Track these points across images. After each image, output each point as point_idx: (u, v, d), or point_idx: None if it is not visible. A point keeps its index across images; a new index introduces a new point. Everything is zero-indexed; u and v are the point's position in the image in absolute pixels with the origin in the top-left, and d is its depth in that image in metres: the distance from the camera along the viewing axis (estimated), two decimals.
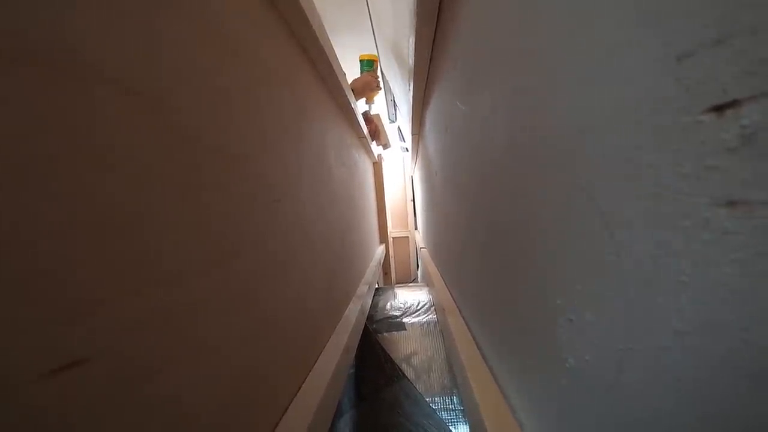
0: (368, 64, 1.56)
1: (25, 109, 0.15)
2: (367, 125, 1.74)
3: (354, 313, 0.74)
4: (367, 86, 1.50)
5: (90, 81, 0.18)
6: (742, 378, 0.13)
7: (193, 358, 0.23)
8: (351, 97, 0.93)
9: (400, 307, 1.15)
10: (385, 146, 1.93)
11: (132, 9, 0.21)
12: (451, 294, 0.86)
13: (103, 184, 0.18)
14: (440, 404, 0.81)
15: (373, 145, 1.90)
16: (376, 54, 1.71)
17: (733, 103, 0.12)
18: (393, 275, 2.25)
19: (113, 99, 0.19)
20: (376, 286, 1.42)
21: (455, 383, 0.82)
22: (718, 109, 0.13)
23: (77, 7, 0.17)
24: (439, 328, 0.99)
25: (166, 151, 0.22)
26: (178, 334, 0.22)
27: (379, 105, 1.76)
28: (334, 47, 0.70)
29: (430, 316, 1.08)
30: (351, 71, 1.47)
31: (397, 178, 2.46)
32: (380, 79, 1.55)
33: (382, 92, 1.67)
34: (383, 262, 1.87)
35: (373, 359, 0.93)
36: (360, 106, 1.24)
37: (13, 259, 0.14)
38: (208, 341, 0.25)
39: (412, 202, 2.45)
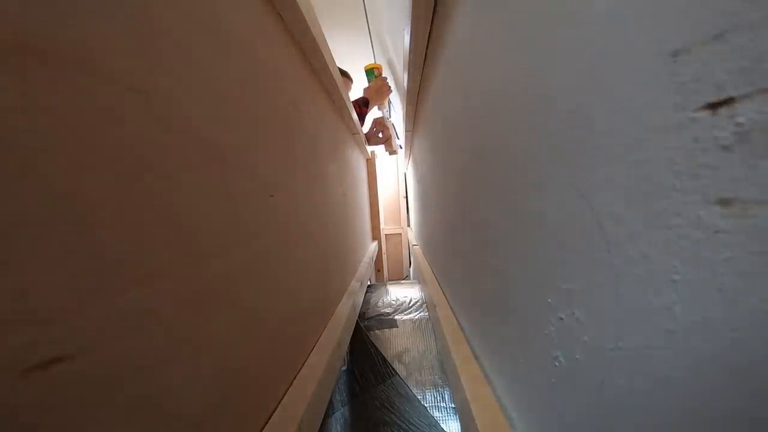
0: (372, 72, 1.64)
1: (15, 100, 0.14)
2: (383, 132, 1.76)
3: (346, 309, 0.74)
4: (379, 92, 1.54)
5: (80, 72, 0.17)
6: (731, 378, 0.13)
7: (179, 356, 0.23)
8: (344, 92, 0.92)
9: (392, 304, 1.15)
10: (392, 153, 1.94)
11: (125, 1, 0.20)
12: (442, 291, 0.86)
13: (88, 178, 0.17)
14: (431, 401, 0.81)
15: (380, 148, 1.92)
16: (375, 62, 1.79)
17: (728, 101, 0.12)
18: (385, 272, 2.25)
19: (103, 90, 0.18)
20: (368, 283, 1.42)
21: (446, 380, 0.83)
22: (713, 106, 0.13)
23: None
24: (431, 326, 1.00)
25: (155, 144, 0.22)
26: (166, 332, 0.22)
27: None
28: (328, 42, 0.69)
29: (422, 313, 1.08)
30: (345, 67, 1.47)
31: (390, 174, 2.45)
32: (388, 81, 1.60)
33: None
34: (376, 259, 1.87)
35: (365, 356, 0.93)
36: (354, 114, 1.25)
37: None
38: (195, 338, 0.25)
39: (405, 199, 2.44)
